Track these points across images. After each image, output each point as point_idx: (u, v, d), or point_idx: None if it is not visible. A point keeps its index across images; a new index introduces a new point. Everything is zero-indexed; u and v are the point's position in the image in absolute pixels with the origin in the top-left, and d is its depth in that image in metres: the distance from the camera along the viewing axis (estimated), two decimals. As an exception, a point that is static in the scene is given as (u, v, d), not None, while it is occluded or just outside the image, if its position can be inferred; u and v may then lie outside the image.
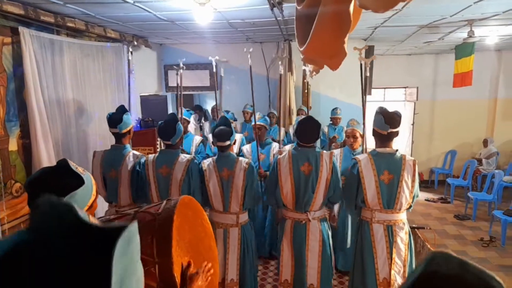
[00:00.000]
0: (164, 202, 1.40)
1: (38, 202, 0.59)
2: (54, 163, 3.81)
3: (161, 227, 1.26)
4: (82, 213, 0.59)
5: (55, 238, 0.56)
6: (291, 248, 2.96)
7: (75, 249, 0.56)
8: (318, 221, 2.95)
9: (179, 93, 4.75)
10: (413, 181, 2.69)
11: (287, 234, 2.98)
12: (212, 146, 4.62)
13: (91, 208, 1.33)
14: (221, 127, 2.99)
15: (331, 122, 5.99)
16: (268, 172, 3.32)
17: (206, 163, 3.01)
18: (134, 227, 0.59)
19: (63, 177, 1.25)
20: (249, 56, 4.08)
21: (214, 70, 4.34)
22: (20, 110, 3.41)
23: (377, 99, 7.94)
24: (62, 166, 1.27)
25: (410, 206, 2.78)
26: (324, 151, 2.94)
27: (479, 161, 7.30)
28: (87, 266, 0.54)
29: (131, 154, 3.20)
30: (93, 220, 0.59)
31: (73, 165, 1.29)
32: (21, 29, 3.29)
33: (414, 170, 2.69)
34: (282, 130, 5.55)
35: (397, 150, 2.75)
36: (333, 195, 2.93)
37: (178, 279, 1.24)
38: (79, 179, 1.25)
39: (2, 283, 0.54)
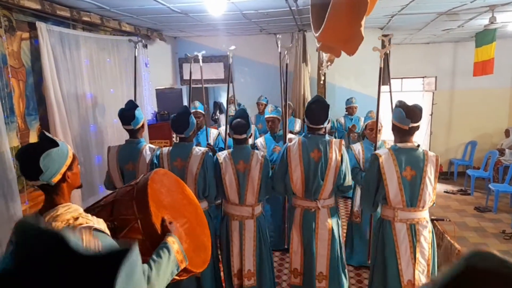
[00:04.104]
0: (142, 175, 1.70)
1: (23, 227, 0.54)
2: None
3: (138, 190, 1.56)
4: (75, 239, 0.52)
5: (43, 270, 0.51)
6: (300, 236, 2.97)
7: (67, 281, 0.50)
8: (328, 210, 2.93)
9: (201, 85, 4.74)
10: (435, 177, 2.60)
11: (296, 222, 2.98)
12: (224, 139, 4.62)
13: (72, 170, 1.52)
14: (238, 120, 2.96)
15: (346, 112, 5.92)
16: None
17: (222, 155, 3.01)
18: (135, 253, 0.53)
19: (41, 143, 1.46)
20: (278, 43, 4.01)
21: (230, 61, 4.30)
22: (39, 104, 3.48)
23: (394, 90, 7.77)
24: (41, 137, 1.50)
25: (433, 203, 2.68)
26: (334, 139, 2.90)
27: (501, 152, 7.10)
28: None
29: (147, 147, 3.23)
30: (86, 244, 0.53)
31: (50, 135, 1.50)
32: (38, 24, 3.34)
33: (437, 166, 2.60)
34: (299, 121, 5.53)
35: (419, 145, 2.65)
36: (342, 184, 2.89)
37: (159, 229, 1.52)
38: (53, 143, 1.46)
39: None
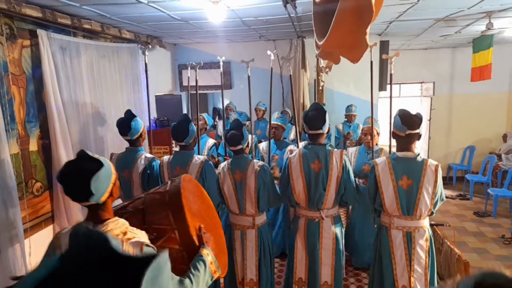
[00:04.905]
0: (169, 182, 1.67)
1: (77, 229, 0.61)
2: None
3: (171, 199, 1.53)
4: (115, 242, 0.60)
5: (88, 267, 0.57)
6: (305, 246, 2.95)
7: (106, 279, 0.57)
8: (332, 219, 2.93)
9: (201, 92, 4.77)
10: (434, 186, 2.59)
11: (300, 232, 2.97)
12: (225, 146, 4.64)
13: (115, 185, 1.50)
14: (232, 132, 2.95)
15: (345, 119, 5.94)
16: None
17: (222, 166, 3.04)
18: (163, 257, 0.59)
19: (85, 163, 1.43)
20: (271, 58, 4.08)
21: (221, 70, 4.39)
22: (39, 111, 3.49)
23: (393, 95, 7.81)
24: (82, 156, 1.47)
25: (432, 213, 2.68)
26: (335, 149, 2.90)
27: (499, 157, 7.13)
28: None
29: (143, 156, 3.23)
30: (126, 248, 0.60)
31: (90, 153, 1.48)
32: (39, 31, 3.36)
33: (436, 176, 2.59)
34: (294, 129, 5.53)
35: (418, 155, 2.66)
36: (344, 193, 2.89)
37: (196, 241, 1.52)
38: (98, 163, 1.43)
39: None
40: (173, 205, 1.51)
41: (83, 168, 1.40)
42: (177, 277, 1.37)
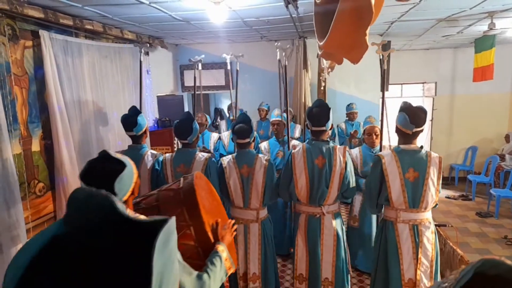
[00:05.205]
0: (182, 179, 1.69)
1: (77, 193, 0.59)
2: (75, 162, 3.84)
3: (186, 196, 1.55)
4: (120, 205, 0.59)
5: (92, 230, 0.56)
6: (305, 242, 2.96)
7: (111, 242, 0.55)
8: (332, 215, 2.93)
9: (194, 92, 4.79)
10: (438, 178, 2.61)
11: (301, 228, 2.97)
12: (226, 145, 4.64)
13: (136, 183, 1.51)
14: (241, 125, 2.98)
15: (347, 118, 5.94)
16: None
17: (226, 160, 3.02)
18: (172, 222, 0.58)
19: (108, 164, 1.43)
20: (277, 51, 4.05)
21: (229, 67, 4.35)
22: (41, 112, 3.50)
23: (395, 95, 7.83)
24: (104, 156, 1.47)
25: (436, 204, 2.70)
26: (338, 146, 2.91)
27: (502, 157, 7.11)
28: (124, 260, 0.54)
29: (149, 153, 3.24)
30: (130, 213, 0.59)
31: (112, 153, 1.47)
32: (42, 32, 3.37)
33: (440, 167, 2.60)
34: (298, 127, 5.54)
35: (421, 147, 2.66)
36: (346, 190, 2.90)
37: (211, 237, 1.55)
38: (120, 163, 1.43)
39: (41, 275, 0.54)
40: (188, 201, 1.54)
41: (106, 169, 1.41)
42: (196, 272, 1.37)
